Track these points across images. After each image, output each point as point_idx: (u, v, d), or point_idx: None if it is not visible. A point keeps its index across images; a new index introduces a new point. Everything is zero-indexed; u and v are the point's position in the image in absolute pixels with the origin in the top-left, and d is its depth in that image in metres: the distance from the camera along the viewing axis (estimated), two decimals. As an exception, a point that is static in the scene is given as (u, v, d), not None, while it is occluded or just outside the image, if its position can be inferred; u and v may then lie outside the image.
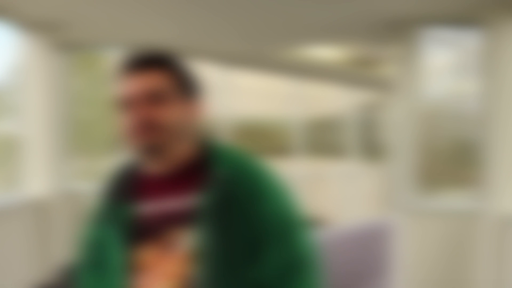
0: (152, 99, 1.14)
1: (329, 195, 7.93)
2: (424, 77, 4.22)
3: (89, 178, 5.69)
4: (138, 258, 1.16)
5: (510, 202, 3.64)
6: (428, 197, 4.20)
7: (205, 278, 1.10)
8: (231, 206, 1.12)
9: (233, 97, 6.59)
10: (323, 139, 8.23)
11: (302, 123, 7.59)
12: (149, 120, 1.13)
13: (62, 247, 4.92)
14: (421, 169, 4.16)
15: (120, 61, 1.21)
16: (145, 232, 1.16)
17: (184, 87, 1.18)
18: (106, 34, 5.09)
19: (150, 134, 1.13)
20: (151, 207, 1.17)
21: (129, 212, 1.18)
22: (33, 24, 4.40)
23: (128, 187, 1.22)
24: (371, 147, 8.64)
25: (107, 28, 4.88)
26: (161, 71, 1.16)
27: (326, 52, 7.00)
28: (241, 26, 4.77)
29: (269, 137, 7.71)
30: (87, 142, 5.68)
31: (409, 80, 4.16)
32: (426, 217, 4.13)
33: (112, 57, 5.78)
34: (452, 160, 4.59)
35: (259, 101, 7.59)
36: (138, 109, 1.14)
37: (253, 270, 1.12)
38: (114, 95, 1.20)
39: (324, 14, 4.22)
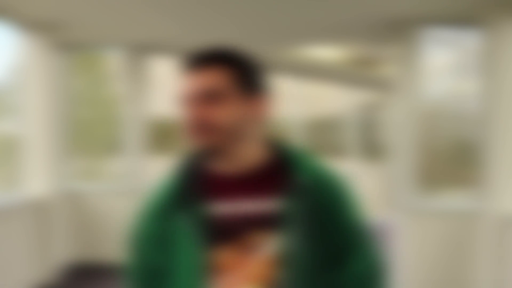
0: (209, 98, 1.10)
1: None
2: (424, 77, 4.22)
3: (89, 178, 5.69)
4: (215, 259, 1.12)
5: (510, 202, 3.64)
6: (428, 197, 4.20)
7: (290, 283, 1.10)
8: (316, 213, 1.13)
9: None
10: (323, 139, 8.22)
11: (302, 123, 7.59)
12: (204, 121, 1.10)
13: (62, 247, 4.92)
14: (421, 169, 4.16)
15: (184, 57, 1.16)
16: (220, 233, 1.12)
17: (247, 85, 1.14)
18: (106, 34, 5.10)
19: (205, 135, 1.10)
20: (227, 207, 1.13)
21: (203, 211, 1.13)
22: (33, 24, 4.40)
23: (199, 184, 1.16)
24: (371, 147, 8.64)
25: (107, 28, 4.88)
26: (222, 68, 1.12)
27: (326, 52, 7.00)
28: (241, 26, 4.77)
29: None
30: (87, 142, 5.68)
31: (409, 80, 4.16)
32: (426, 217, 4.13)
33: (112, 57, 5.78)
34: (452, 160, 4.59)
35: (259, 101, 7.55)
36: (195, 108, 1.11)
37: (335, 277, 1.16)
38: (176, 91, 1.15)
39: (324, 14, 4.22)
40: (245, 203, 1.13)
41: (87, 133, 5.68)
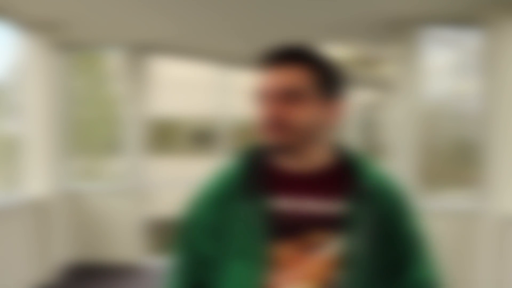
0: (289, 96, 1.08)
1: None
2: (424, 77, 4.22)
3: (89, 178, 5.69)
4: (274, 253, 1.11)
5: (510, 202, 3.64)
6: (428, 197, 4.20)
7: (348, 285, 1.10)
8: (379, 220, 1.14)
9: (233, 97, 6.59)
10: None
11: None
12: (281, 118, 1.08)
13: (62, 247, 4.92)
14: (421, 169, 4.16)
15: (264, 52, 1.14)
16: (282, 228, 1.11)
17: (327, 87, 1.12)
18: (106, 34, 5.09)
19: (280, 132, 1.09)
20: (290, 204, 1.13)
21: (266, 204, 1.12)
22: (33, 24, 4.40)
23: (263, 178, 1.15)
24: (372, 147, 8.64)
25: (107, 28, 4.87)
26: (304, 67, 1.10)
27: (326, 52, 7.00)
28: (241, 26, 4.77)
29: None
30: (87, 142, 5.68)
31: (409, 80, 4.16)
32: (426, 217, 4.13)
33: (112, 57, 5.78)
34: (452, 160, 4.59)
35: (259, 101, 7.54)
36: (272, 104, 1.09)
37: (393, 285, 1.17)
38: (254, 86, 1.14)
39: (324, 14, 4.22)
40: (309, 202, 1.13)
41: (87, 133, 5.68)
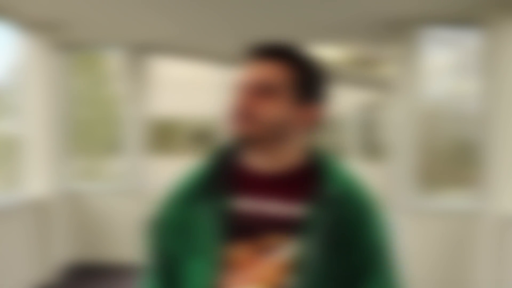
0: (262, 91, 1.08)
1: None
2: (424, 77, 4.22)
3: (89, 178, 5.70)
4: (230, 254, 1.09)
5: (510, 202, 3.64)
6: (428, 197, 4.20)
7: None
8: (339, 227, 1.09)
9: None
10: (323, 138, 8.22)
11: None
12: (249, 111, 1.07)
13: (62, 247, 4.92)
14: (421, 169, 4.16)
15: (248, 47, 1.15)
16: (240, 229, 1.10)
17: (304, 88, 1.10)
18: (106, 34, 5.10)
19: (246, 124, 1.07)
20: (251, 205, 1.11)
21: (226, 204, 1.11)
22: (33, 24, 4.40)
23: (228, 177, 1.14)
24: (371, 147, 8.64)
25: (107, 28, 4.88)
26: (281, 64, 1.09)
27: (326, 52, 7.00)
28: (241, 26, 4.77)
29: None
30: (87, 142, 5.68)
31: (409, 80, 4.16)
32: (426, 217, 4.13)
33: (112, 57, 5.79)
34: (452, 160, 4.59)
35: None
36: (244, 97, 1.08)
37: None
38: (232, 79, 1.13)
39: (324, 14, 4.22)
40: (271, 204, 1.11)
41: (87, 133, 5.69)
